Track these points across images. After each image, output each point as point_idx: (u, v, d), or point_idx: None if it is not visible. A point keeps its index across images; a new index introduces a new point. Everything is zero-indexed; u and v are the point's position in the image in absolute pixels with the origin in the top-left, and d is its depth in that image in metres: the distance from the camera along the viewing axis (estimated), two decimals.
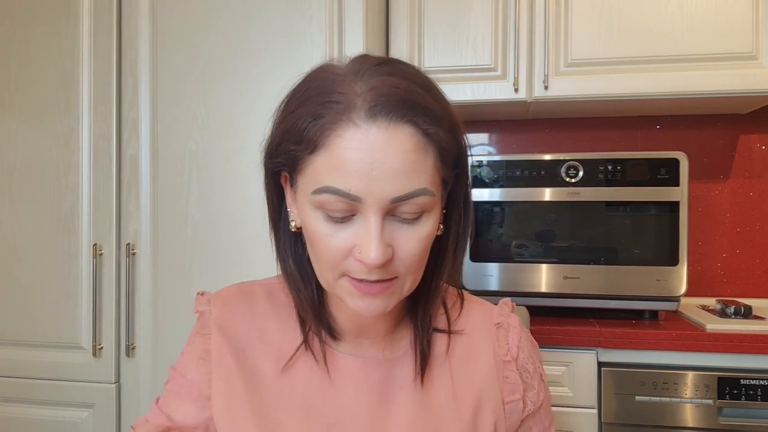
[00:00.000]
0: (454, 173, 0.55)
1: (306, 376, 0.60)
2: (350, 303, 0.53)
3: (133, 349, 1.35)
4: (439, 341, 0.64)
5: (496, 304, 0.69)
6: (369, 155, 0.47)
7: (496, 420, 0.62)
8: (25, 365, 1.39)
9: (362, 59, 0.53)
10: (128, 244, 1.34)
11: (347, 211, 0.50)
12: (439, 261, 0.59)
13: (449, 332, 0.64)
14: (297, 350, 0.61)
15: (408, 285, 0.54)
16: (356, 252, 0.50)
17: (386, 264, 0.50)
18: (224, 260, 1.32)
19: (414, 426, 0.59)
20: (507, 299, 0.69)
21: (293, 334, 0.62)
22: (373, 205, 0.49)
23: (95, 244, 1.35)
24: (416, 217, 0.51)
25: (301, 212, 0.54)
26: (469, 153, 0.57)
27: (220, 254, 1.32)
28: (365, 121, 0.48)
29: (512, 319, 0.67)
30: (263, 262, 1.29)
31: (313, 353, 0.61)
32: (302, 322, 0.62)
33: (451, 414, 0.61)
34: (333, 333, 0.62)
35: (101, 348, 1.36)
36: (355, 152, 0.48)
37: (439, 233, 0.57)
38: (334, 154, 0.48)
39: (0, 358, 1.40)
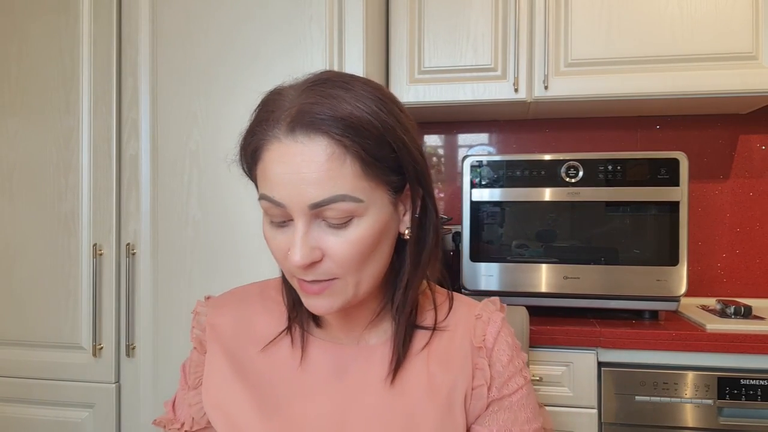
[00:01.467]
0: (397, 177, 0.58)
1: (283, 357, 0.66)
2: (304, 303, 0.60)
3: (133, 349, 1.35)
4: (422, 337, 0.66)
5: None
6: (289, 166, 0.53)
7: (466, 406, 0.64)
8: (25, 365, 1.39)
9: (310, 77, 0.58)
10: (128, 244, 1.34)
11: (282, 216, 0.56)
12: (403, 267, 0.63)
13: (434, 329, 0.66)
14: (279, 335, 0.67)
15: (352, 285, 0.58)
16: (289, 254, 0.55)
17: (315, 266, 0.56)
18: (224, 260, 1.32)
19: (382, 413, 0.62)
20: (496, 298, 0.72)
21: (278, 323, 0.68)
22: (296, 211, 0.54)
23: (95, 244, 1.35)
24: (344, 222, 0.55)
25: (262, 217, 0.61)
26: (420, 161, 0.60)
27: (220, 254, 1.32)
28: (285, 135, 0.54)
29: (495, 315, 0.69)
30: (262, 261, 1.30)
31: (291, 338, 0.67)
32: (290, 315, 0.67)
33: (425, 406, 0.63)
34: (318, 323, 0.67)
35: (101, 348, 1.36)
36: (278, 164, 0.54)
37: (406, 237, 0.62)
38: (265, 167, 0.56)
39: (0, 358, 1.40)
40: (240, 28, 1.31)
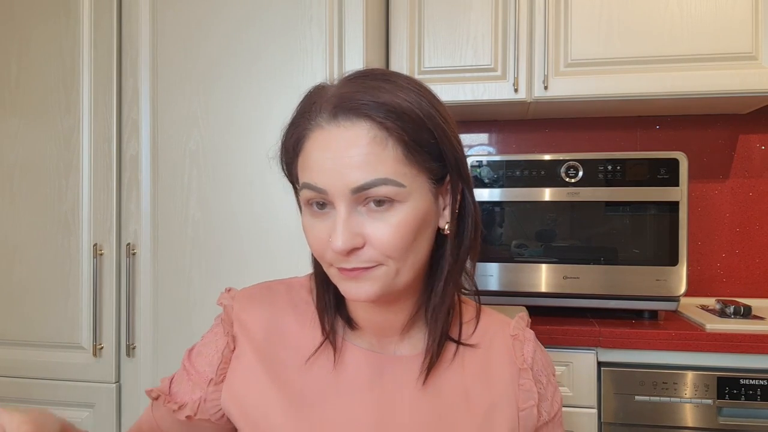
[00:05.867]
0: (438, 165, 0.58)
1: (323, 368, 0.64)
2: (342, 289, 0.58)
3: (133, 349, 1.35)
4: (452, 349, 0.66)
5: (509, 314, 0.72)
6: (331, 152, 0.54)
7: (511, 428, 0.64)
8: (25, 365, 1.39)
9: (351, 72, 0.59)
10: (128, 244, 1.34)
11: (324, 204, 0.56)
12: (442, 261, 0.62)
13: (458, 343, 0.66)
14: (320, 346, 0.65)
15: (394, 270, 0.56)
16: (330, 241, 0.55)
17: (357, 252, 0.55)
18: (224, 260, 1.32)
19: (416, 417, 0.62)
20: (523, 314, 0.72)
21: (312, 329, 0.66)
22: (337, 196, 0.54)
23: (95, 244, 1.35)
24: (386, 208, 0.55)
25: (302, 211, 0.60)
26: (460, 152, 0.60)
27: (220, 254, 1.32)
28: (328, 122, 0.55)
29: (527, 333, 0.70)
30: (263, 261, 1.30)
31: (332, 346, 0.65)
32: (322, 319, 0.66)
33: (461, 414, 0.63)
34: (353, 327, 0.66)
35: (101, 348, 1.36)
36: (320, 151, 0.55)
37: (446, 232, 0.61)
38: (306, 156, 0.56)
39: (0, 358, 1.40)
40: (240, 29, 1.31)
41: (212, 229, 1.32)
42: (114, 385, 1.36)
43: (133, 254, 1.35)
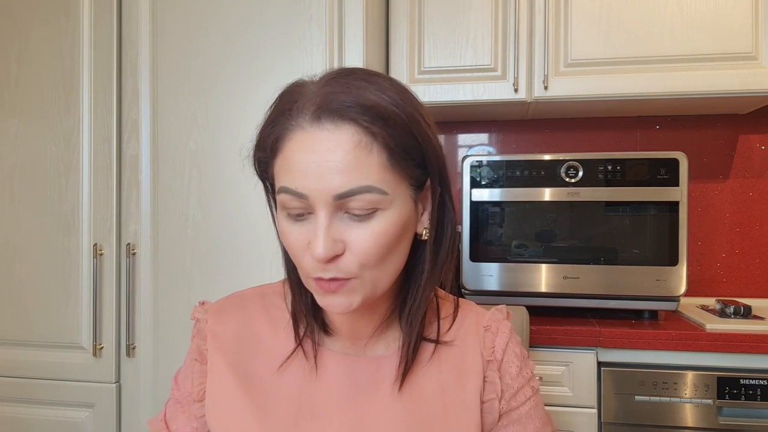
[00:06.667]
0: (420, 172, 0.57)
1: (298, 376, 0.63)
2: (319, 301, 0.56)
3: (133, 349, 1.35)
4: (428, 348, 0.65)
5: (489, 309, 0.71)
6: (314, 156, 0.51)
7: (475, 422, 0.63)
8: (25, 365, 1.39)
9: (331, 71, 0.57)
10: (128, 244, 1.34)
11: (302, 209, 0.53)
12: (420, 265, 0.60)
13: (437, 342, 0.64)
14: (292, 353, 0.63)
15: (370, 282, 0.55)
16: (309, 248, 0.53)
17: (336, 260, 0.53)
18: (224, 260, 1.32)
19: (396, 422, 0.61)
20: (502, 306, 0.70)
21: (285, 336, 0.65)
22: (319, 202, 0.52)
23: (95, 244, 1.35)
24: (368, 215, 0.53)
25: (277, 213, 0.58)
26: (442, 156, 0.59)
27: (220, 254, 1.32)
28: (311, 124, 0.52)
29: (503, 325, 0.67)
30: (262, 261, 1.30)
31: (304, 353, 0.64)
32: (296, 324, 0.64)
33: (437, 418, 0.62)
34: (327, 331, 0.64)
35: (101, 348, 1.36)
36: (301, 154, 0.52)
37: (424, 238, 0.59)
38: (286, 157, 0.53)
39: (0, 358, 1.40)
40: (240, 28, 1.31)
41: (212, 229, 1.32)
42: (114, 385, 1.36)
43: (133, 254, 1.35)
